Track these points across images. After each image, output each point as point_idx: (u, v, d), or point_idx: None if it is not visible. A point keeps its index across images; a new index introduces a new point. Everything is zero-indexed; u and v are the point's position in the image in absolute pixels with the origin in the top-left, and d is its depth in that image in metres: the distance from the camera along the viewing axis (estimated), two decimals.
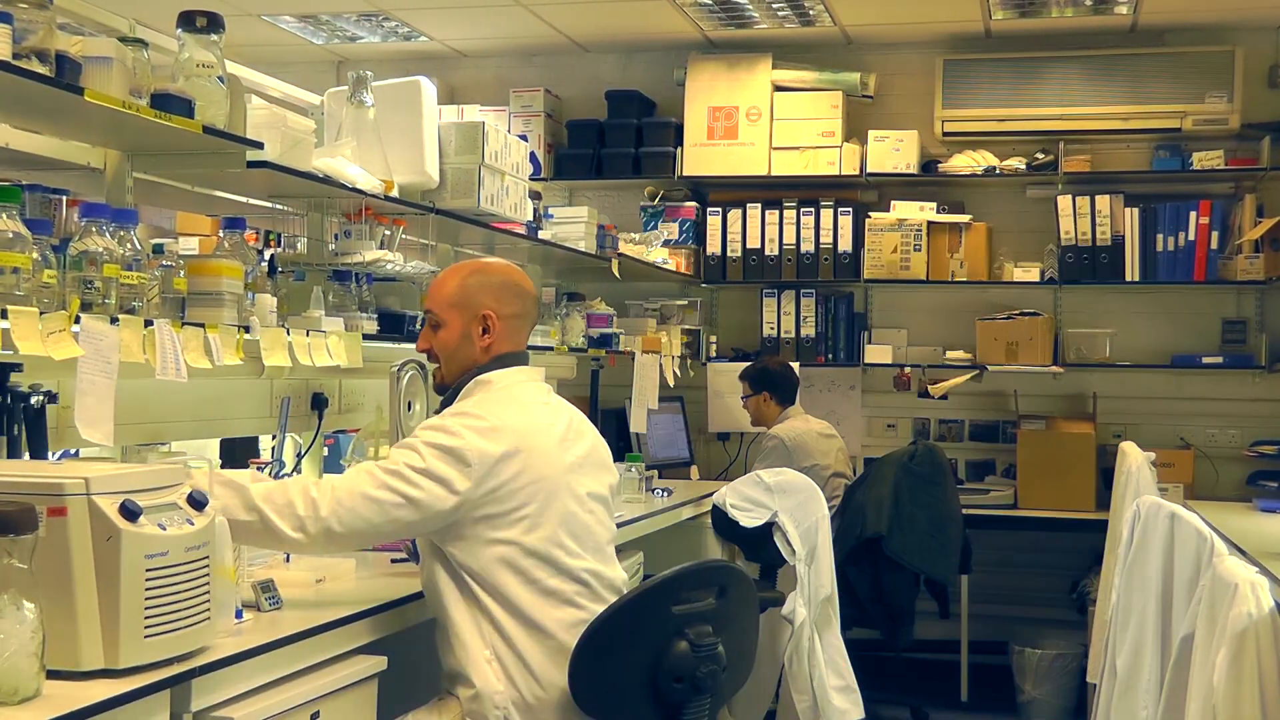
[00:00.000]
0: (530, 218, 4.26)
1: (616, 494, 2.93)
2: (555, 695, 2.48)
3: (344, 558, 2.89)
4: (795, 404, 5.45)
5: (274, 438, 3.55)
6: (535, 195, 4.43)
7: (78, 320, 2.24)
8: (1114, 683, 3.32)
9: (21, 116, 2.65)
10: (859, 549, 4.86)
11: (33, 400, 2.54)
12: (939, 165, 5.95)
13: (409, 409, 3.76)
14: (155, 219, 4.37)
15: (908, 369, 6.06)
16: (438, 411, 2.73)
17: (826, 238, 6.09)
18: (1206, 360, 5.75)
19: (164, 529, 1.95)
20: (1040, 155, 5.87)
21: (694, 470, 6.01)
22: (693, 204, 6.24)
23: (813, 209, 6.12)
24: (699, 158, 6.13)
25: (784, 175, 6.06)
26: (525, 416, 2.62)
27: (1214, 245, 5.68)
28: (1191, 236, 5.69)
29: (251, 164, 2.81)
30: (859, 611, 4.93)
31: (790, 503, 4.37)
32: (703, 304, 6.36)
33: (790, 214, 6.14)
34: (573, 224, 4.80)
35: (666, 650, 2.50)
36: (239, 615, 2.32)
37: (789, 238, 6.13)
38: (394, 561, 3.08)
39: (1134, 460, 4.24)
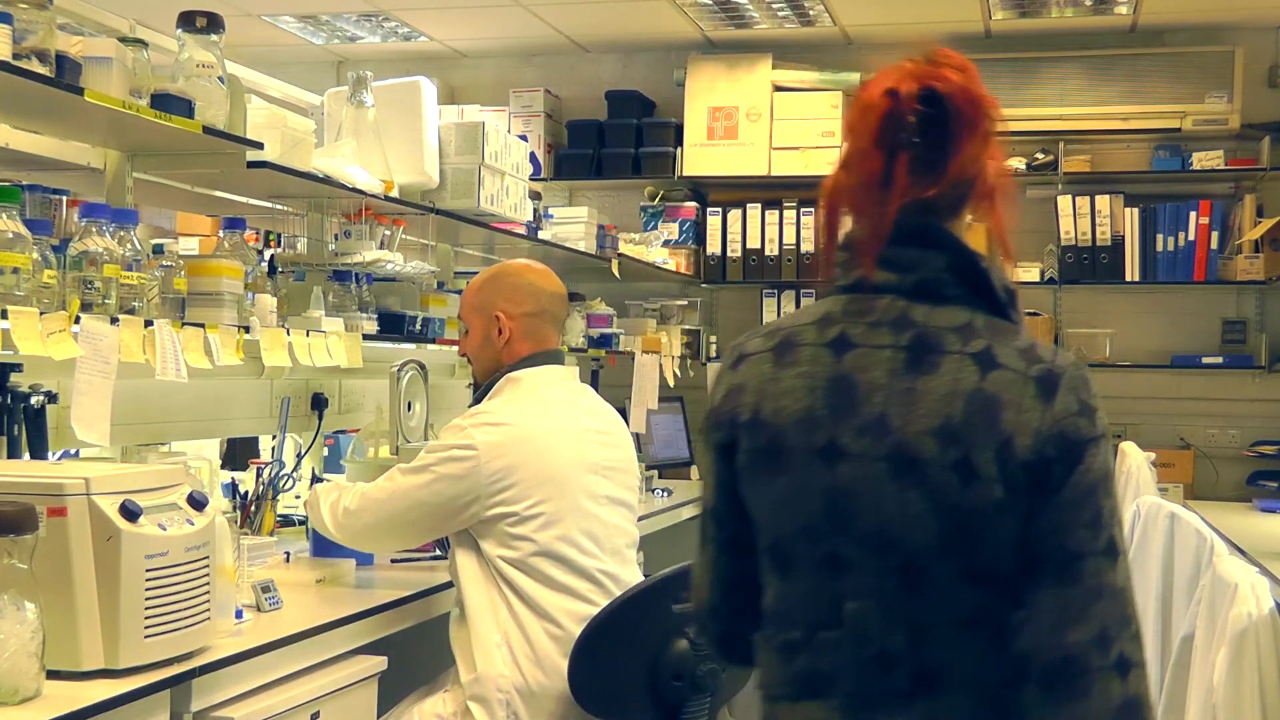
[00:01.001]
0: (530, 218, 4.26)
1: (640, 500, 3.04)
2: (560, 685, 2.49)
3: (344, 558, 2.89)
4: None
5: (274, 438, 3.55)
6: (535, 195, 4.43)
7: (78, 320, 2.24)
8: None
9: (21, 116, 2.65)
10: None
11: (33, 400, 2.54)
12: None
13: (409, 409, 3.76)
14: (155, 219, 4.37)
15: None
16: (471, 388, 2.89)
17: None
18: (1206, 360, 5.75)
19: (164, 529, 1.95)
20: (1040, 155, 5.87)
21: (694, 470, 6.01)
22: (693, 204, 6.24)
23: (813, 209, 6.11)
24: (699, 158, 6.13)
25: (784, 175, 6.05)
26: (542, 414, 2.66)
27: (1214, 245, 5.68)
28: (1191, 236, 5.69)
29: (251, 164, 2.81)
30: None
31: None
32: (703, 304, 6.36)
33: (790, 214, 6.14)
34: (573, 224, 4.80)
35: (666, 648, 2.50)
36: (239, 615, 2.32)
37: (789, 238, 6.13)
38: (394, 561, 3.09)
39: (1134, 460, 4.24)
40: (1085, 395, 1.43)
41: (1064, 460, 1.39)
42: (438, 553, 3.05)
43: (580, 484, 2.63)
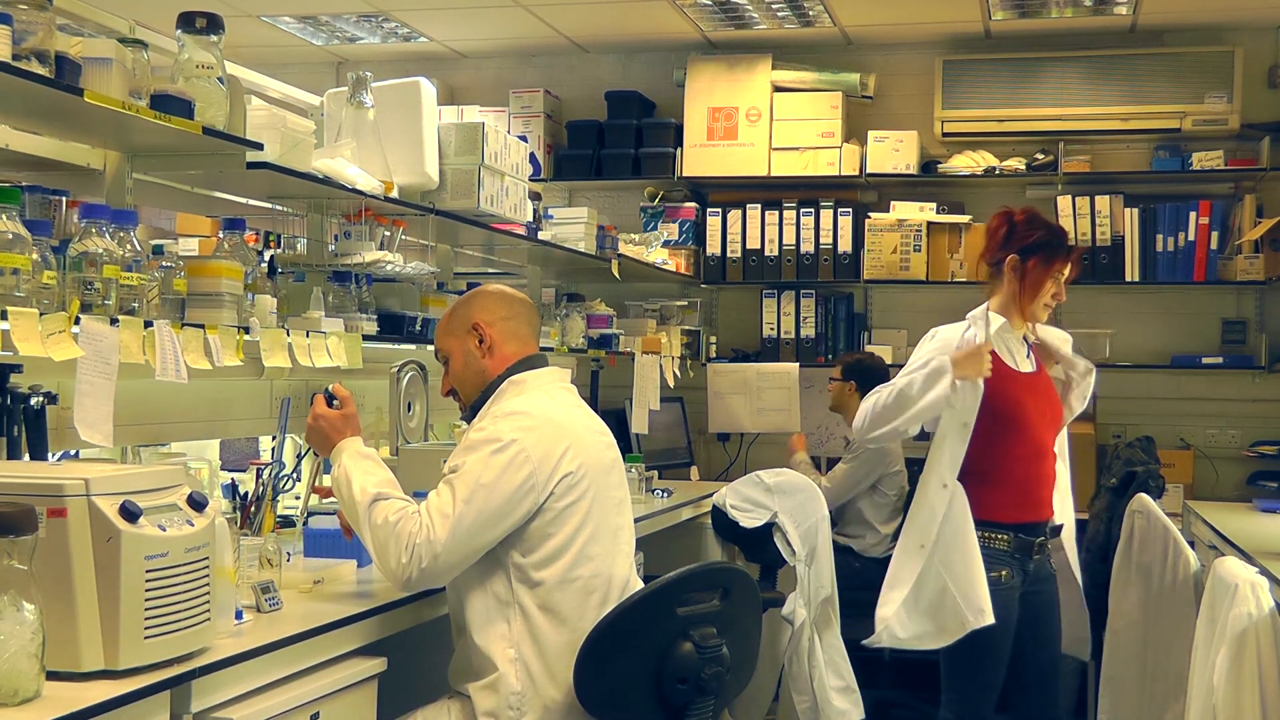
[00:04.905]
0: (530, 218, 4.26)
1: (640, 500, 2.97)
2: (568, 691, 2.48)
3: (343, 559, 2.89)
4: None
5: (274, 438, 3.55)
6: (535, 196, 4.43)
7: (77, 321, 2.24)
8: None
9: (21, 117, 2.65)
10: None
11: (33, 401, 2.54)
12: (939, 166, 5.95)
13: (409, 409, 3.76)
14: (155, 219, 4.37)
15: None
16: (466, 419, 2.72)
17: (826, 238, 6.09)
18: (1206, 360, 5.75)
19: (164, 530, 1.95)
20: (1040, 156, 5.87)
21: (694, 471, 6.01)
22: (692, 204, 6.24)
23: (812, 209, 6.11)
24: (699, 158, 6.13)
25: (784, 176, 6.06)
26: (561, 411, 2.63)
27: (1214, 245, 5.68)
28: (1191, 237, 5.69)
29: (251, 165, 2.81)
30: None
31: (790, 503, 4.37)
32: (702, 304, 6.36)
33: (790, 214, 6.14)
34: (572, 224, 4.80)
35: (671, 652, 2.50)
36: (239, 616, 2.32)
37: (789, 238, 6.13)
38: None
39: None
40: None
41: None
42: None
43: (604, 483, 2.63)
